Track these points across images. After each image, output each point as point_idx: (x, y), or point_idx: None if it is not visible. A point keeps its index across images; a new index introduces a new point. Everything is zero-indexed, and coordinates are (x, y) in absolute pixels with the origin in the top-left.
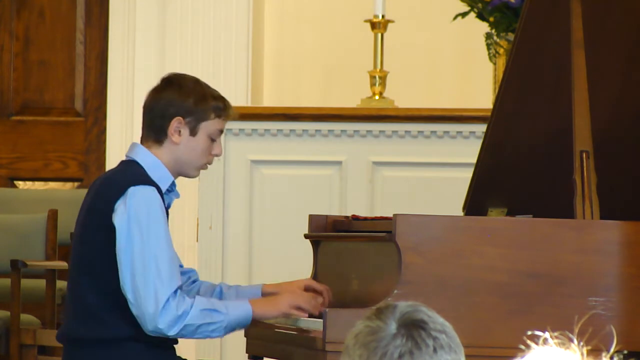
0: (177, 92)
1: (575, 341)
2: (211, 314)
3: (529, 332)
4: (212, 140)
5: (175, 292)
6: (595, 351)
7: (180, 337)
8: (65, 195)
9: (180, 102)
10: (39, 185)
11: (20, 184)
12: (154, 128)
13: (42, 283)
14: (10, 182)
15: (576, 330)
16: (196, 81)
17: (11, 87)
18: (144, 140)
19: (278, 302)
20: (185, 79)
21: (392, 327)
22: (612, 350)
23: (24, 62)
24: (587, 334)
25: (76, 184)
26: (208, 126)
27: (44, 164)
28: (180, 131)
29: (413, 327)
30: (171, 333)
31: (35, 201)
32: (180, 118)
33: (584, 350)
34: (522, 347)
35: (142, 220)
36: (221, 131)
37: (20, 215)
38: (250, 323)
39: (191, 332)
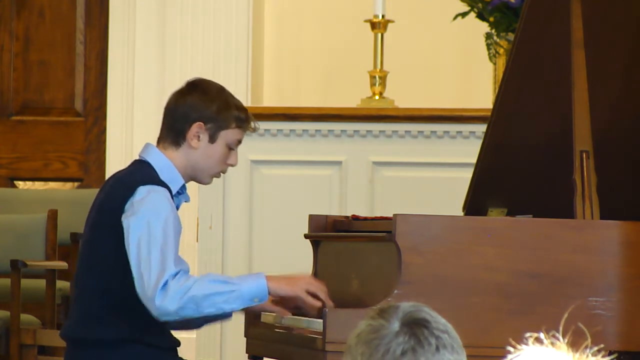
0: (201, 97)
1: (563, 340)
2: (219, 284)
3: (528, 333)
4: (230, 149)
5: (177, 273)
6: (591, 351)
7: (189, 315)
8: (65, 195)
9: (203, 107)
10: (39, 185)
11: (20, 184)
12: (174, 130)
13: (42, 283)
14: (10, 182)
15: (567, 329)
16: (221, 89)
17: (11, 87)
18: (161, 141)
19: (295, 282)
20: (210, 85)
21: (395, 325)
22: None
23: (24, 62)
24: (585, 334)
25: (76, 184)
26: (227, 135)
27: (44, 164)
28: (199, 136)
29: (416, 326)
30: (174, 308)
31: (35, 201)
32: (201, 123)
33: (580, 349)
34: (514, 347)
35: (151, 215)
36: (240, 141)
37: (20, 215)
38: (267, 296)
39: (198, 303)
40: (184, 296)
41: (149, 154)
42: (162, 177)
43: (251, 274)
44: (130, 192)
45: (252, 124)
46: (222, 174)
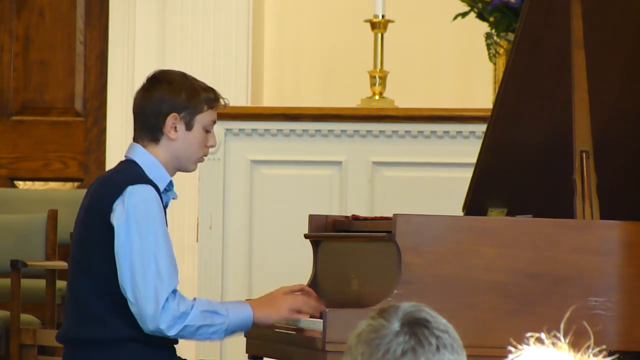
0: (167, 88)
1: (563, 340)
2: (212, 316)
3: (529, 333)
4: (207, 131)
5: (174, 291)
6: (593, 351)
7: (180, 338)
8: (65, 195)
9: (173, 98)
10: (39, 185)
11: (20, 184)
12: (149, 127)
13: (42, 283)
14: (10, 182)
15: (567, 329)
16: (184, 75)
17: (11, 87)
18: (138, 140)
19: (278, 306)
20: (172, 74)
21: (395, 325)
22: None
23: (24, 62)
24: (585, 334)
25: (76, 184)
26: (202, 118)
27: (44, 164)
28: (176, 127)
29: (416, 326)
30: (171, 333)
31: (35, 201)
32: (176, 114)
33: (581, 349)
34: (514, 347)
35: (141, 219)
36: (214, 122)
37: (20, 215)
38: (251, 326)
39: (191, 333)
40: (181, 325)
41: (135, 153)
42: (150, 175)
43: (239, 304)
44: (119, 190)
45: (222, 101)
46: (204, 157)
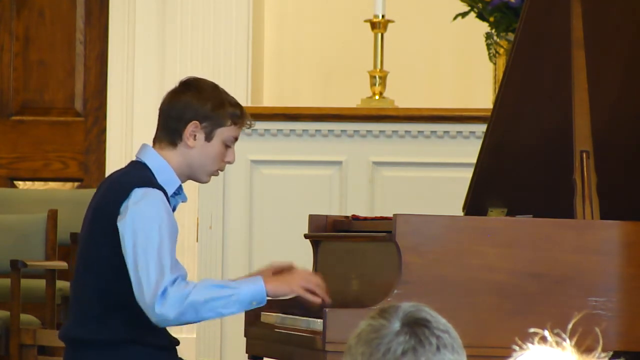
0: (195, 96)
1: (568, 340)
2: (219, 289)
3: (530, 331)
4: (227, 146)
5: (175, 279)
6: (593, 351)
7: (189, 320)
8: (65, 195)
9: (198, 106)
10: (39, 185)
11: (20, 184)
12: (170, 130)
13: (42, 283)
14: (10, 182)
15: (569, 329)
16: (215, 86)
17: (11, 87)
18: (157, 141)
19: (290, 282)
20: (204, 83)
21: (396, 325)
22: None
23: (24, 62)
24: (586, 334)
25: (76, 184)
26: (224, 132)
27: (44, 164)
28: (195, 135)
29: (416, 325)
30: (174, 315)
31: (35, 201)
32: (197, 122)
33: (581, 350)
34: (517, 346)
35: (146, 217)
36: (236, 138)
37: (20, 215)
38: (265, 300)
39: (197, 309)
40: (184, 302)
41: (145, 155)
42: (159, 178)
43: (249, 278)
44: (126, 193)
45: (248, 121)
46: (220, 171)
